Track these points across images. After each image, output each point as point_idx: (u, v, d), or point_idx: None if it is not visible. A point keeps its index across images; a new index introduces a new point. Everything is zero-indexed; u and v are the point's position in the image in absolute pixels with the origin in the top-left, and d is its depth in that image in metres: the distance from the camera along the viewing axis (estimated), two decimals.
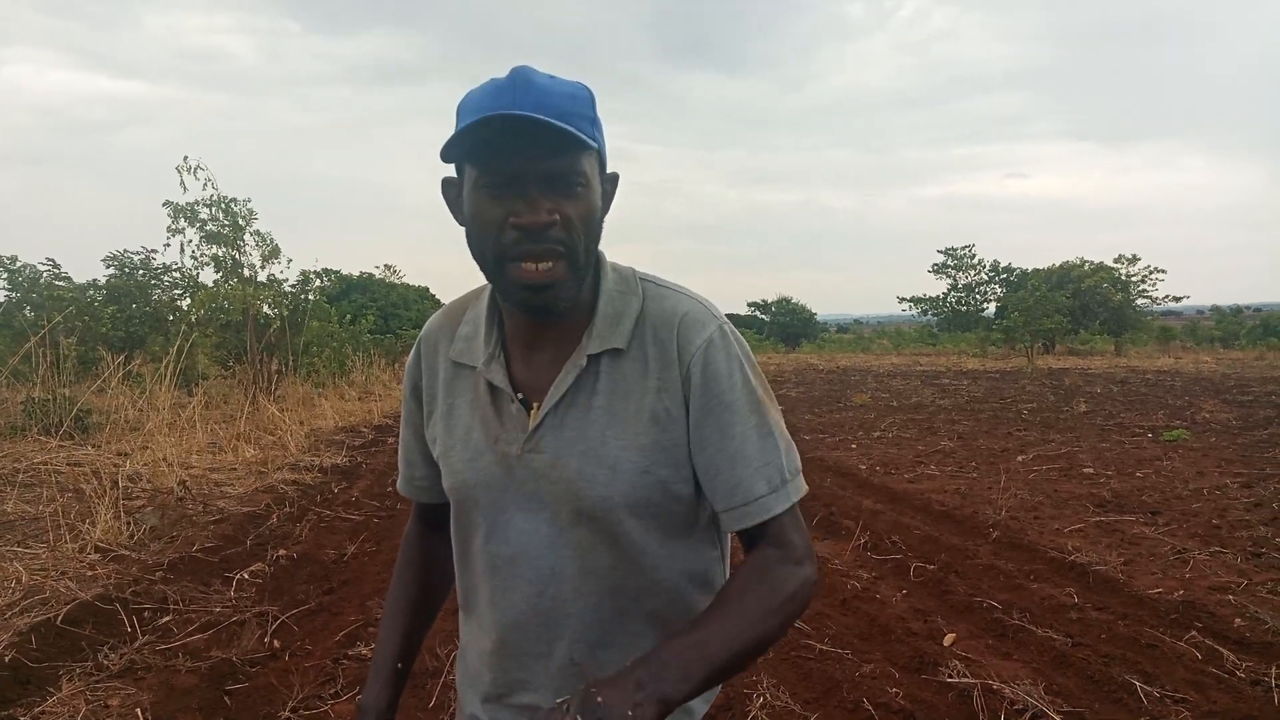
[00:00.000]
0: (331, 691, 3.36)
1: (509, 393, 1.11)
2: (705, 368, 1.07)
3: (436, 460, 1.21)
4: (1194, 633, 3.77)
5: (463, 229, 1.09)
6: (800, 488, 1.12)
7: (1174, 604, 4.13)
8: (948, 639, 3.82)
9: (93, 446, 7.65)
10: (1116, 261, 34.02)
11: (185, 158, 10.33)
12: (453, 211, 1.11)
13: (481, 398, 1.14)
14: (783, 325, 43.36)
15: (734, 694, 3.28)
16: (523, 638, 1.14)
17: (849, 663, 3.58)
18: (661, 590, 1.14)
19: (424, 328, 1.25)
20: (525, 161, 0.99)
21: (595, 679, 0.91)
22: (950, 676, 3.39)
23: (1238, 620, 3.91)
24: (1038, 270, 36.02)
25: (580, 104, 1.02)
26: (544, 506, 1.10)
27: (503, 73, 1.02)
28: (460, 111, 1.03)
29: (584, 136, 0.99)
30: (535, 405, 1.10)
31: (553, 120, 0.96)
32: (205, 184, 10.59)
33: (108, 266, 15.15)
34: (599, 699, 0.86)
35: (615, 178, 1.13)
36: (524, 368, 1.13)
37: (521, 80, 0.99)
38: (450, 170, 1.10)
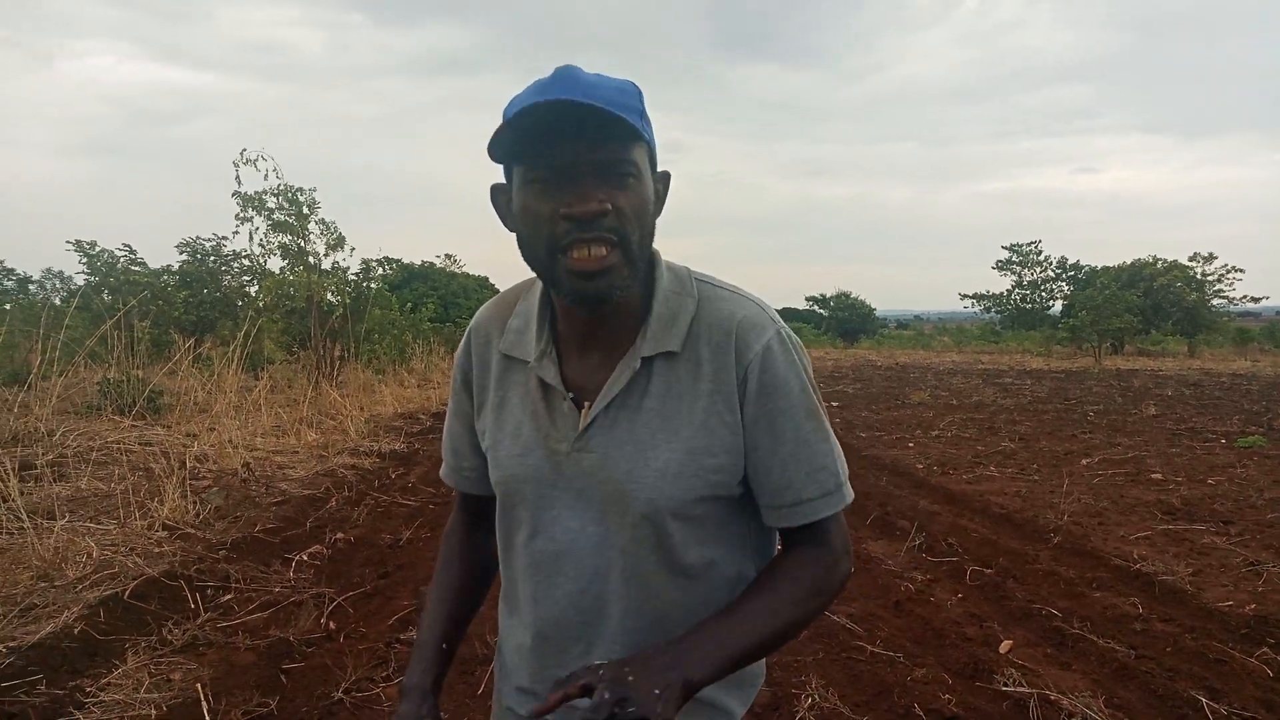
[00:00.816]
0: (384, 674, 3.42)
1: (561, 390, 1.11)
2: (763, 373, 1.07)
3: (485, 452, 1.21)
4: (1265, 649, 3.62)
5: (513, 234, 1.08)
6: (848, 496, 1.14)
7: (1245, 618, 3.97)
8: (1004, 646, 3.73)
9: (163, 427, 7.91)
10: (1191, 260, 32.85)
11: (243, 150, 10.57)
12: (502, 218, 1.11)
13: (533, 394, 1.13)
14: (841, 320, 42.85)
15: (782, 694, 3.25)
16: (562, 635, 1.14)
17: (901, 666, 3.52)
18: (702, 595, 1.13)
19: (474, 319, 1.24)
20: (574, 151, 0.97)
21: (627, 656, 0.96)
22: (1006, 685, 3.31)
23: None
24: (1107, 268, 34.93)
25: (628, 97, 1.00)
26: (591, 505, 1.10)
27: (554, 67, 1.02)
28: (506, 114, 1.02)
29: (631, 122, 0.97)
30: (586, 405, 1.10)
31: (597, 103, 0.94)
32: (267, 174, 10.85)
33: (181, 253, 15.67)
34: (629, 676, 0.92)
35: (667, 176, 1.11)
36: (575, 367, 1.12)
37: (567, 76, 0.98)
38: (499, 175, 1.09)
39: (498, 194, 1.10)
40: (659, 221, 1.09)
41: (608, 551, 1.10)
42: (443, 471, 1.34)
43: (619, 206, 0.99)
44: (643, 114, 1.03)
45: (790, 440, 1.08)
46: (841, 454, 1.14)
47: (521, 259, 1.07)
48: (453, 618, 1.28)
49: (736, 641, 1.03)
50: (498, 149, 1.01)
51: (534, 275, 1.18)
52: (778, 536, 1.20)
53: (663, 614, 1.12)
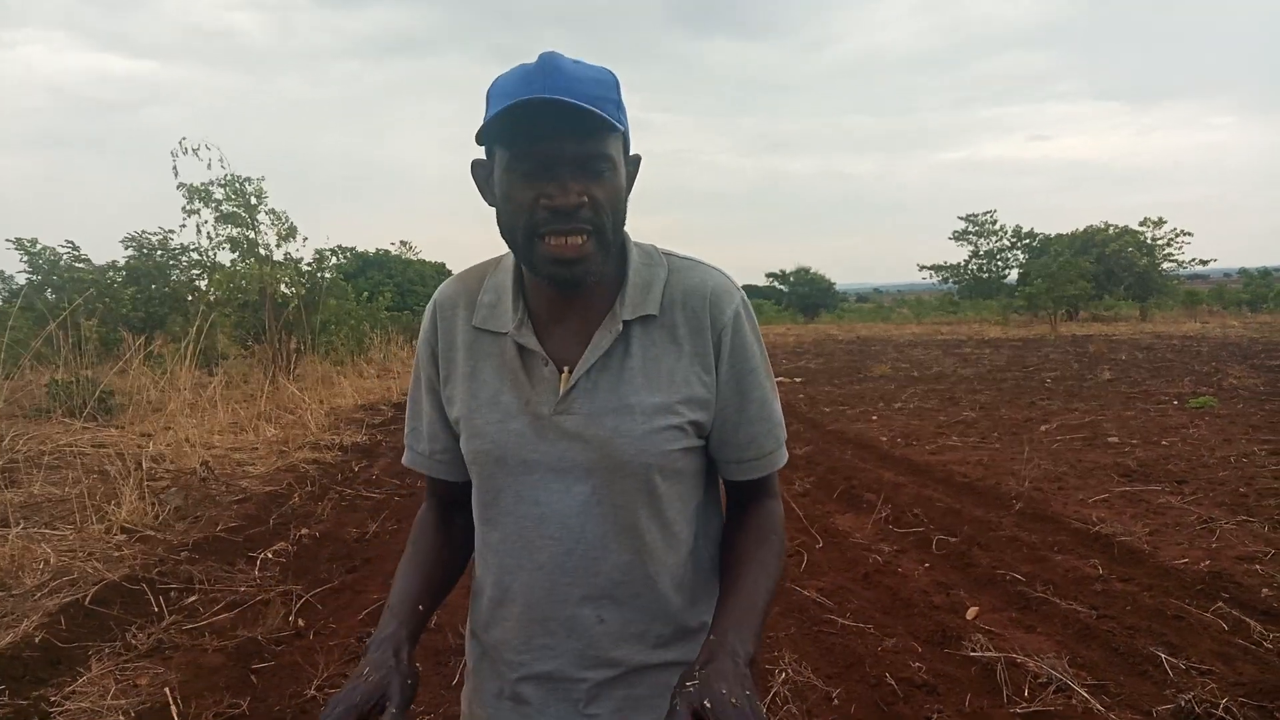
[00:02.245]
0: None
1: (542, 355, 1.13)
2: (734, 336, 1.15)
3: (453, 424, 1.21)
4: (1220, 603, 3.73)
5: (492, 209, 1.13)
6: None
7: (1200, 574, 4.09)
8: (970, 612, 3.80)
9: (116, 428, 7.74)
10: (1142, 225, 33.54)
11: (182, 140, 10.09)
12: (482, 193, 1.15)
13: (510, 362, 1.15)
14: (801, 295, 43.14)
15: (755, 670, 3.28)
16: (550, 599, 1.15)
17: (871, 637, 3.57)
18: (682, 548, 1.18)
19: (438, 294, 1.25)
20: (555, 145, 1.03)
21: (700, 673, 0.96)
22: (973, 650, 3.38)
23: (1265, 590, 3.87)
24: (1061, 235, 35.57)
25: (606, 89, 1.06)
26: (575, 466, 1.12)
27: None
28: (491, 96, 1.06)
29: (610, 119, 1.03)
30: (566, 370, 1.13)
31: (581, 103, 1.00)
32: (210, 164, 10.51)
33: (126, 248, 15.25)
34: (723, 691, 0.93)
35: (638, 159, 1.17)
36: (550, 338, 1.16)
37: (550, 66, 1.03)
38: (480, 152, 1.13)
39: (478, 169, 1.15)
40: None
41: (592, 510, 1.13)
42: (409, 459, 1.30)
43: (595, 198, 1.06)
44: (619, 104, 1.08)
45: (756, 400, 1.18)
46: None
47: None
48: (429, 583, 1.22)
49: (761, 605, 1.10)
50: (484, 134, 1.06)
51: (496, 256, 1.23)
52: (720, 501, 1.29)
53: (649, 569, 1.15)
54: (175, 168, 10.14)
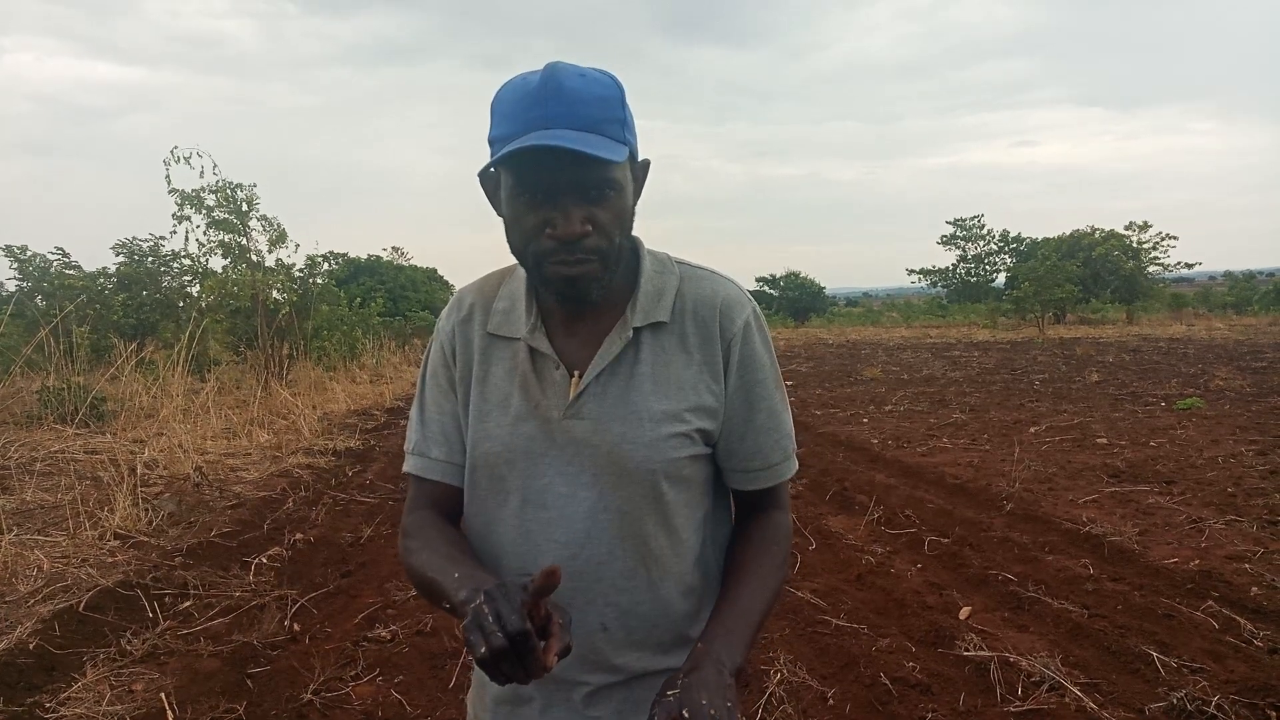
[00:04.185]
0: (352, 673, 3.39)
1: (554, 358, 1.14)
2: (744, 346, 1.17)
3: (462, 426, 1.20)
4: (1211, 602, 3.77)
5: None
6: (796, 457, 1.27)
7: (1190, 574, 4.13)
8: (963, 612, 3.83)
9: (109, 434, 7.70)
10: (1127, 229, 33.81)
11: (174, 149, 10.07)
12: (492, 202, 1.15)
13: (521, 365, 1.16)
14: (791, 300, 43.20)
15: (751, 671, 3.29)
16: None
17: (865, 637, 3.60)
18: (689, 555, 1.19)
19: (456, 298, 1.25)
20: (558, 174, 1.03)
21: (682, 681, 0.96)
22: (967, 650, 3.41)
23: (1254, 589, 3.91)
24: (1048, 239, 35.83)
25: (611, 106, 1.05)
26: (584, 471, 1.13)
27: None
28: (494, 111, 1.06)
29: (612, 155, 1.02)
30: (577, 374, 1.14)
31: (581, 149, 0.99)
32: (202, 171, 10.51)
33: (117, 254, 15.19)
34: (703, 702, 0.93)
35: (647, 165, 1.17)
36: (562, 342, 1.16)
37: (552, 89, 1.02)
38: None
39: (486, 179, 1.14)
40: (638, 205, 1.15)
41: (599, 516, 1.13)
42: (421, 466, 1.21)
43: (599, 223, 1.06)
44: (624, 121, 1.06)
45: (764, 410, 1.19)
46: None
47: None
48: (467, 550, 1.15)
49: (754, 618, 1.11)
50: (491, 161, 1.06)
51: (511, 264, 1.23)
52: (730, 508, 1.29)
53: (655, 575, 1.16)
54: (168, 176, 10.13)
